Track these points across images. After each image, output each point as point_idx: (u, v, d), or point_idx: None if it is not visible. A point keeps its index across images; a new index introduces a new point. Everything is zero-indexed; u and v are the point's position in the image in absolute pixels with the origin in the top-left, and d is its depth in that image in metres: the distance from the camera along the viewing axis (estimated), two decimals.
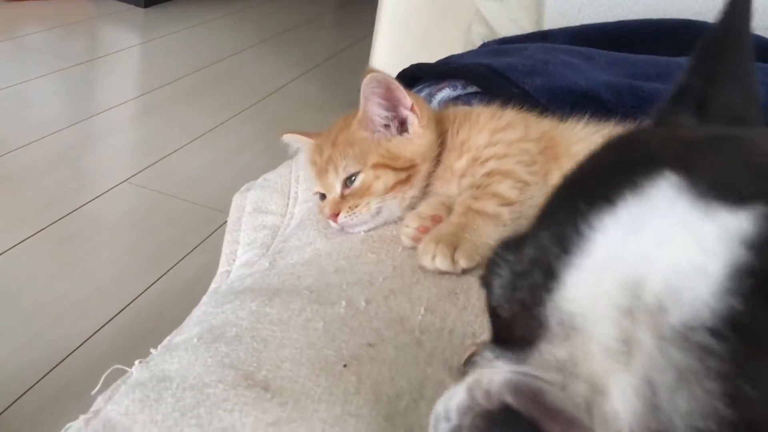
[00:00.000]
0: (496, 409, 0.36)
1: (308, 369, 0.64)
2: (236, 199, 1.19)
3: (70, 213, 1.91)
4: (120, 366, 0.73)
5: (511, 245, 0.38)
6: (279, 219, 1.11)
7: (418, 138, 0.90)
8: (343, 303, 0.74)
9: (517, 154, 0.87)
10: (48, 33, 3.19)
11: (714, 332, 0.30)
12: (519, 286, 0.36)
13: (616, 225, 0.33)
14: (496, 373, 0.37)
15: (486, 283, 0.39)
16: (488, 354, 0.39)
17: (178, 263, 1.78)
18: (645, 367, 0.31)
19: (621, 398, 0.32)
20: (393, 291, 0.78)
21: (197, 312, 0.82)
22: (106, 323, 1.57)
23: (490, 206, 0.84)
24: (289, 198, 1.15)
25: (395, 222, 0.92)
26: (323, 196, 0.96)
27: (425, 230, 0.85)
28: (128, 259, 1.81)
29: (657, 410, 0.31)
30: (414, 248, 0.85)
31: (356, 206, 0.89)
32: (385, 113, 0.90)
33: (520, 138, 0.89)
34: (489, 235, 0.83)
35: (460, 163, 0.89)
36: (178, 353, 0.69)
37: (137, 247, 1.85)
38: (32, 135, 2.25)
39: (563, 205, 0.37)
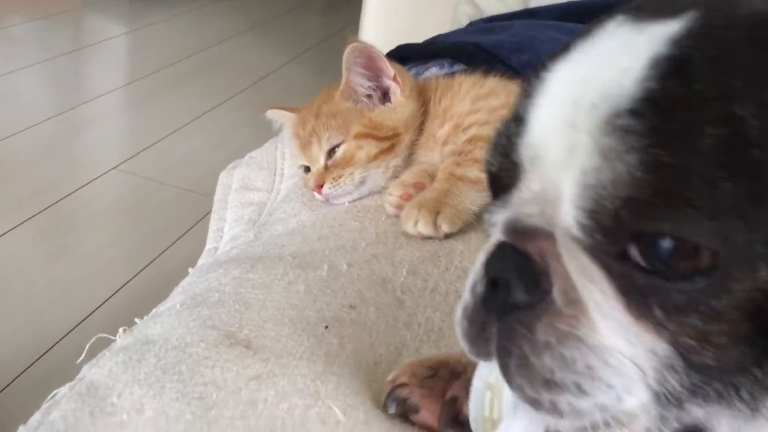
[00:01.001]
0: (493, 248, 0.42)
1: (290, 329, 0.64)
2: (222, 177, 1.19)
3: (58, 201, 1.91)
4: (105, 335, 0.74)
5: (505, 119, 0.44)
6: (266, 195, 1.11)
7: (401, 107, 0.91)
8: (325, 267, 0.75)
9: (498, 121, 0.87)
10: (33, 24, 3.18)
11: (634, 112, 0.35)
12: (500, 141, 0.42)
13: (567, 63, 0.39)
14: (496, 226, 0.42)
15: (484, 156, 0.45)
16: (488, 216, 0.44)
17: (167, 249, 1.77)
18: (581, 160, 0.36)
19: (567, 193, 0.37)
20: (375, 255, 0.78)
21: (182, 284, 0.82)
22: (96, 308, 1.57)
23: (472, 172, 0.84)
24: (275, 175, 1.15)
25: (379, 192, 0.92)
26: (307, 169, 0.96)
27: (408, 197, 0.86)
28: (118, 245, 1.80)
29: (588, 188, 0.35)
30: (398, 216, 0.85)
31: (340, 177, 0.89)
32: (367, 83, 0.91)
33: (502, 105, 0.89)
34: (471, 200, 0.83)
35: (443, 131, 0.90)
36: (161, 319, 0.69)
37: (126, 234, 1.85)
38: (20, 124, 2.25)
39: (535, 69, 0.42)
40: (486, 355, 0.42)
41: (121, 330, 0.71)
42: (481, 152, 0.85)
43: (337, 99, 0.93)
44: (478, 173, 0.84)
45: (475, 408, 0.47)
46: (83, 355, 0.70)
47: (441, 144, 0.90)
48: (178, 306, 0.71)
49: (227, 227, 1.08)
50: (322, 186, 0.90)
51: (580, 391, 0.37)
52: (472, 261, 0.77)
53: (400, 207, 0.85)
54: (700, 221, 0.33)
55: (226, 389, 0.55)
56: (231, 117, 2.44)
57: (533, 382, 0.38)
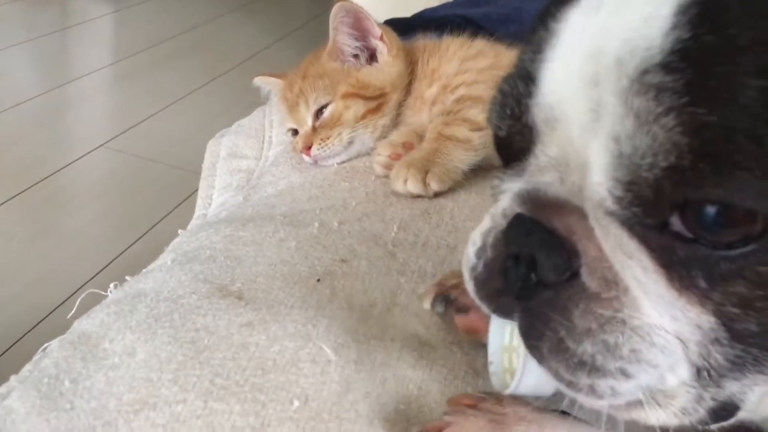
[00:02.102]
0: (511, 220, 0.39)
1: (282, 282, 0.64)
2: (211, 145, 1.18)
3: (46, 178, 1.89)
4: (95, 290, 0.74)
5: (506, 76, 0.40)
6: (254, 163, 1.11)
7: (388, 67, 0.90)
8: (316, 224, 0.75)
9: (487, 81, 0.87)
10: (18, 4, 3.14)
11: (666, 67, 0.31)
12: (508, 102, 0.39)
13: (579, 11, 0.35)
14: (507, 194, 0.40)
15: (488, 118, 0.41)
16: (496, 182, 0.42)
17: (156, 225, 1.77)
18: (610, 124, 0.32)
19: (597, 163, 0.33)
20: (366, 213, 0.78)
21: (172, 244, 0.82)
22: (84, 284, 1.56)
23: (460, 131, 0.84)
24: (263, 142, 1.15)
25: (368, 154, 0.92)
26: (295, 132, 0.96)
27: (397, 157, 0.86)
28: (105, 222, 1.79)
29: (622, 158, 0.32)
30: (386, 176, 0.85)
31: (328, 138, 0.89)
32: (354, 43, 0.90)
33: (490, 65, 0.89)
34: (460, 159, 0.83)
35: (431, 92, 0.90)
36: (153, 274, 0.69)
37: (115, 210, 1.84)
38: (6, 103, 2.22)
39: (539, 17, 0.39)
40: (504, 315, 0.41)
41: (112, 285, 0.71)
42: (469, 111, 0.85)
43: (324, 59, 0.92)
44: (466, 132, 0.84)
45: (494, 337, 0.47)
46: (74, 310, 0.70)
47: (429, 104, 0.90)
48: (169, 262, 0.71)
49: (216, 194, 1.08)
50: (310, 147, 0.90)
51: (624, 375, 0.35)
52: (462, 218, 0.78)
53: (388, 167, 0.85)
54: (751, 184, 0.30)
55: (218, 334, 0.55)
56: (218, 96, 2.42)
57: (570, 367, 0.36)
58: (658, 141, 0.31)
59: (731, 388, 0.36)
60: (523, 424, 0.46)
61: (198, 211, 1.08)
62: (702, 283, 0.33)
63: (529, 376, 0.43)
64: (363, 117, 0.89)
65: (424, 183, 0.80)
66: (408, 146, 0.87)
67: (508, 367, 0.49)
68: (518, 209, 0.39)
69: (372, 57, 0.92)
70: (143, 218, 1.79)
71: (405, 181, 0.81)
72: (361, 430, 0.48)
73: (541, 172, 0.37)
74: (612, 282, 0.35)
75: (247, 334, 0.55)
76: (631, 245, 0.34)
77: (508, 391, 0.47)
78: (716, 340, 0.34)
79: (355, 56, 0.91)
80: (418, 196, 0.81)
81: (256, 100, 1.24)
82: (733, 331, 0.34)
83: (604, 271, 0.35)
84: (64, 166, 1.96)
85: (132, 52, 2.71)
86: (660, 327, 0.35)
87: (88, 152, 2.04)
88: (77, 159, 2.00)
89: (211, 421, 0.47)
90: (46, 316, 1.49)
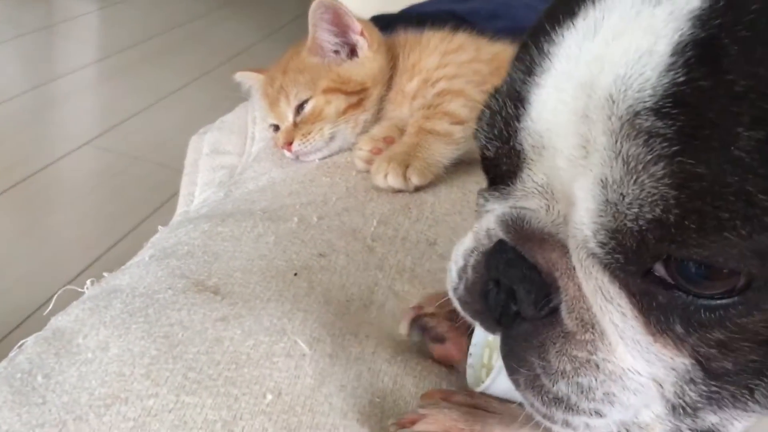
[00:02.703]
0: (493, 244, 0.39)
1: (259, 276, 0.64)
2: (193, 142, 1.18)
3: (31, 176, 1.88)
4: (72, 287, 0.73)
5: (495, 92, 0.39)
6: (237, 159, 1.11)
7: (369, 62, 0.90)
8: (295, 219, 0.75)
9: (467, 75, 0.87)
10: (2, 1, 3.12)
11: (658, 112, 0.29)
12: (496, 123, 0.37)
13: (574, 34, 0.34)
14: (492, 214, 0.39)
15: (475, 132, 0.40)
16: (481, 201, 0.41)
17: (141, 223, 1.76)
18: (598, 166, 0.31)
19: (582, 203, 0.32)
20: (346, 208, 0.78)
21: (151, 240, 0.81)
22: (68, 283, 1.55)
23: (441, 125, 0.84)
24: (246, 138, 1.14)
25: (349, 149, 0.92)
26: (277, 128, 0.96)
27: (378, 152, 0.86)
28: (91, 219, 1.79)
29: (608, 204, 0.31)
30: (368, 171, 0.85)
31: (309, 133, 0.89)
32: (334, 39, 0.90)
33: (471, 59, 0.89)
34: (441, 153, 0.83)
35: (411, 85, 0.90)
36: (130, 270, 0.69)
37: (100, 208, 1.83)
38: None
39: (531, 34, 0.37)
40: (488, 331, 0.41)
41: (88, 282, 0.70)
42: (450, 105, 0.85)
43: (304, 55, 0.92)
44: (447, 126, 0.84)
45: (480, 330, 0.47)
46: (50, 307, 0.70)
47: (410, 98, 0.90)
48: (147, 258, 0.71)
49: (198, 191, 1.08)
50: (291, 143, 0.89)
51: (598, 414, 0.35)
52: (442, 212, 0.78)
53: (369, 162, 0.85)
54: (736, 246, 0.29)
55: (192, 329, 0.55)
56: (205, 93, 2.41)
57: (545, 402, 0.36)
58: (645, 191, 0.30)
59: (709, 419, 0.35)
60: (496, 417, 0.46)
61: (180, 208, 1.08)
62: (679, 329, 0.32)
63: (504, 379, 0.43)
64: (344, 112, 0.89)
65: (405, 177, 0.80)
66: (389, 141, 0.87)
67: (486, 363, 0.49)
68: (501, 235, 0.38)
69: (353, 52, 0.91)
70: (128, 216, 1.78)
71: (385, 176, 0.80)
72: (335, 423, 0.48)
73: (527, 197, 0.36)
74: (589, 324, 0.35)
75: (222, 328, 0.55)
76: (612, 289, 0.34)
77: (479, 389, 0.47)
78: (691, 380, 0.34)
79: (336, 52, 0.91)
80: (399, 191, 0.81)
81: (242, 98, 1.24)
82: (708, 370, 0.33)
83: (582, 312, 0.35)
84: (49, 164, 1.95)
85: (118, 50, 2.70)
86: (634, 371, 0.34)
87: (74, 150, 2.03)
88: (62, 157, 1.99)
89: (183, 414, 0.47)
90: (30, 315, 1.48)
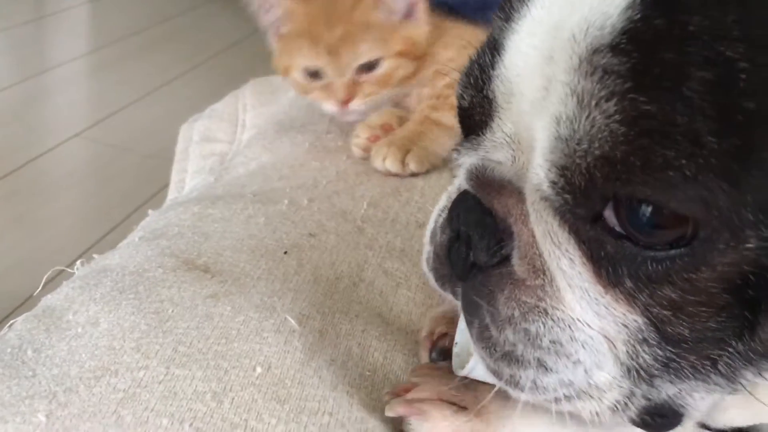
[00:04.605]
0: (458, 196, 0.39)
1: (249, 255, 0.64)
2: (184, 130, 1.18)
3: (21, 167, 1.87)
4: (61, 267, 0.73)
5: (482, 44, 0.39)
6: (227, 146, 1.11)
7: (425, 25, 0.86)
8: (286, 201, 0.75)
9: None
10: None
11: (614, 48, 0.29)
12: (473, 71, 0.37)
13: None
14: (463, 167, 0.39)
15: (456, 86, 0.40)
16: (455, 155, 0.41)
17: (131, 214, 1.75)
18: (555, 104, 0.31)
19: (539, 144, 0.32)
20: (337, 191, 0.78)
21: (141, 223, 0.81)
22: (58, 275, 1.55)
23: (447, 117, 0.84)
24: (237, 126, 1.14)
25: (347, 134, 0.91)
26: (315, 75, 0.88)
27: (376, 139, 0.85)
28: (80, 211, 1.78)
29: (560, 140, 0.31)
30: (363, 158, 0.85)
31: (370, 94, 0.85)
32: None
33: None
34: (442, 145, 0.83)
35: (426, 74, 0.88)
36: (120, 251, 0.69)
37: (89, 200, 1.83)
38: None
39: None
40: (455, 295, 0.40)
41: (78, 263, 0.70)
42: None
43: (366, 7, 0.85)
44: (453, 119, 0.84)
45: (460, 342, 0.47)
46: (40, 288, 0.70)
47: (421, 86, 0.88)
48: (137, 239, 0.71)
49: (189, 178, 1.08)
50: (349, 99, 0.85)
51: (544, 367, 0.35)
52: (432, 195, 0.78)
53: (366, 149, 0.85)
54: (681, 185, 0.28)
55: (182, 305, 0.55)
56: (196, 85, 2.41)
57: (493, 355, 0.36)
58: (596, 127, 0.30)
59: (666, 390, 0.35)
60: (488, 387, 0.47)
61: (170, 195, 1.08)
62: (628, 283, 0.32)
63: (478, 371, 0.43)
64: (405, 79, 0.86)
65: (403, 163, 0.80)
66: (387, 128, 0.86)
67: (471, 351, 0.49)
68: (465, 186, 0.38)
69: (409, 13, 0.86)
70: (118, 208, 1.78)
71: (384, 159, 0.81)
72: (324, 395, 0.48)
73: (495, 148, 0.36)
74: (540, 270, 0.35)
75: (212, 304, 0.55)
76: (561, 234, 0.33)
77: (461, 373, 0.47)
78: (644, 341, 0.33)
79: (392, 11, 0.85)
80: (395, 175, 0.81)
81: (233, 90, 1.24)
82: (664, 334, 0.33)
83: (534, 258, 0.35)
84: (39, 156, 1.94)
85: (108, 42, 2.69)
86: (583, 321, 0.34)
87: (63, 142, 2.02)
88: (52, 148, 1.98)
89: (172, 386, 0.47)
90: (20, 306, 1.48)
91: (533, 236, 0.35)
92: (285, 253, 0.65)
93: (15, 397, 0.46)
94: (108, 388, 0.47)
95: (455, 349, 0.49)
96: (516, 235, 0.35)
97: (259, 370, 0.49)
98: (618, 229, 0.31)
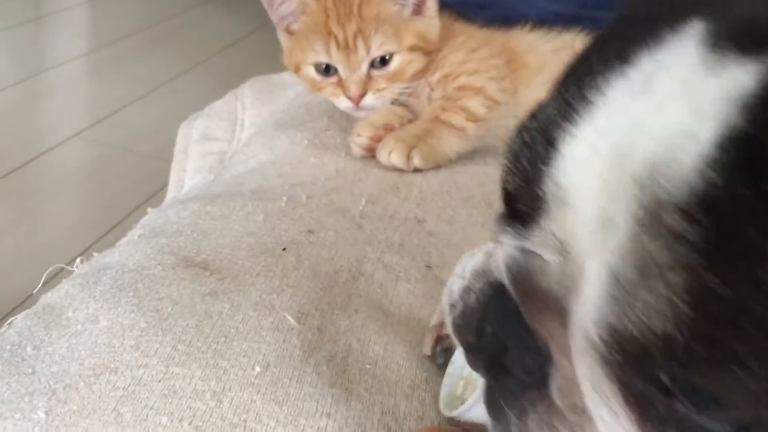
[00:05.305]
0: (497, 284, 0.36)
1: (248, 252, 0.64)
2: (183, 128, 1.18)
3: (20, 167, 1.87)
4: (61, 265, 0.73)
5: (531, 116, 0.34)
6: (227, 145, 1.11)
7: (435, 21, 0.86)
8: (285, 198, 0.75)
9: (487, 71, 0.87)
10: None
11: (686, 213, 0.25)
12: (522, 158, 0.33)
13: (622, 88, 0.29)
14: (503, 248, 0.36)
15: (504, 151, 0.36)
16: (497, 228, 0.37)
17: (130, 214, 1.75)
18: (614, 255, 0.27)
19: (590, 288, 0.29)
20: (335, 188, 0.78)
21: (140, 221, 0.82)
22: (58, 273, 1.55)
23: (456, 119, 0.84)
24: (236, 125, 1.15)
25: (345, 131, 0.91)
26: (327, 70, 0.88)
27: (378, 139, 0.85)
28: (80, 211, 1.78)
29: (617, 302, 0.27)
30: (363, 157, 0.85)
31: (384, 89, 0.85)
32: None
33: (491, 54, 0.89)
34: (449, 145, 0.84)
35: (434, 77, 0.89)
36: (119, 249, 0.69)
37: (89, 200, 1.83)
38: None
39: (580, 65, 0.33)
40: (475, 368, 0.39)
41: (78, 260, 0.70)
42: (469, 102, 0.85)
43: (380, 1, 0.85)
44: (462, 121, 0.84)
45: (458, 359, 0.47)
46: (39, 286, 0.70)
47: (429, 89, 0.89)
48: (136, 237, 0.71)
49: (188, 177, 1.08)
50: (362, 95, 0.85)
51: None
52: (431, 192, 0.79)
53: (367, 149, 0.85)
54: (745, 385, 0.24)
55: (181, 303, 0.55)
56: (195, 85, 2.41)
57: None
58: (657, 299, 0.25)
59: None
60: None
61: (170, 194, 1.08)
62: None
63: (474, 413, 0.43)
64: (415, 75, 0.86)
65: (408, 158, 0.80)
66: (389, 128, 0.86)
67: (459, 395, 0.48)
68: (505, 281, 0.35)
69: (417, 10, 0.87)
70: (117, 207, 1.78)
71: (390, 153, 0.81)
72: (323, 392, 0.48)
73: (543, 246, 0.32)
74: (579, 408, 0.32)
75: (211, 302, 0.55)
76: (606, 384, 0.29)
77: (451, 414, 0.47)
78: None
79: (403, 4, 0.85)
80: (399, 170, 0.81)
81: (232, 88, 1.24)
82: None
83: (575, 395, 0.32)
84: (38, 156, 1.94)
85: (107, 42, 2.69)
86: None
87: (63, 142, 2.02)
88: (51, 148, 1.98)
89: (172, 384, 0.47)
90: (20, 304, 1.48)
91: (574, 372, 0.31)
92: (284, 250, 0.65)
93: (14, 394, 0.47)
94: (107, 386, 0.47)
95: (443, 390, 0.49)
96: (556, 365, 0.32)
97: (257, 369, 0.49)
98: (670, 387, 0.27)
